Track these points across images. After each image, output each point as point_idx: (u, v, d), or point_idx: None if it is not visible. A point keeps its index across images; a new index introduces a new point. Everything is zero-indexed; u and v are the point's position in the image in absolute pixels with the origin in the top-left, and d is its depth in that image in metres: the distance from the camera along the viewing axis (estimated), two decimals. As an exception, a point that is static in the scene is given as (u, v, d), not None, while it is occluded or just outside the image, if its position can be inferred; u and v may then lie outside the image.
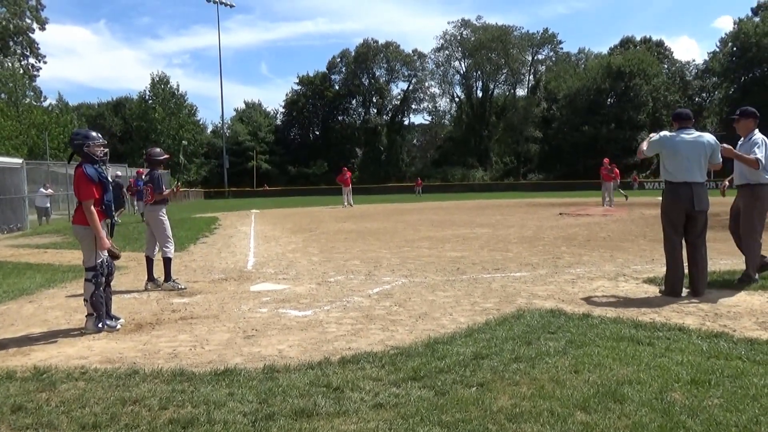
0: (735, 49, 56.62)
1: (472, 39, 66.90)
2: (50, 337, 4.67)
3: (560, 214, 18.00)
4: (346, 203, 26.02)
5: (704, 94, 64.78)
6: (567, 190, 43.70)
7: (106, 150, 5.05)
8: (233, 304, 5.78)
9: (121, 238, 11.96)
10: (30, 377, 3.56)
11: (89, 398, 3.16)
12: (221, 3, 55.91)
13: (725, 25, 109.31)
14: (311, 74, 70.93)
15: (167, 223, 6.99)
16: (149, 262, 6.89)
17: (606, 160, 21.64)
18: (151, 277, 6.82)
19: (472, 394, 3.06)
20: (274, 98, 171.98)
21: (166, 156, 7.23)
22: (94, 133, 5.01)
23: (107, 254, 4.93)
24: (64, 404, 3.09)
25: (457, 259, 8.59)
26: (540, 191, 44.31)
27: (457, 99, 71.55)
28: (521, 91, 70.48)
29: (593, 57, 70.51)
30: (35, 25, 47.51)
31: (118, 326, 4.86)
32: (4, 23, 44.39)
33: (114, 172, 27.07)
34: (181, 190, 7.19)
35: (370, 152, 68.59)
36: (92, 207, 4.74)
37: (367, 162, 67.84)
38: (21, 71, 45.48)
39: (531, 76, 70.82)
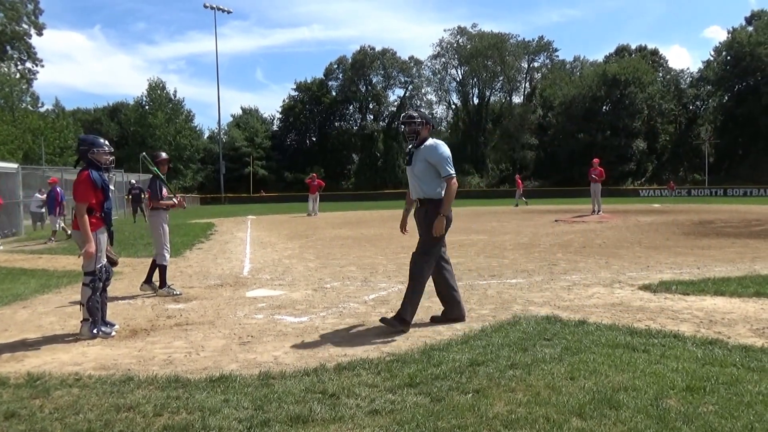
0: (729, 58, 57.09)
1: (468, 46, 67.22)
2: (44, 343, 4.64)
3: (556, 221, 18.04)
4: (311, 210, 24.60)
5: (698, 103, 65.24)
6: (563, 197, 43.85)
7: (112, 158, 5.06)
8: (229, 310, 5.77)
9: (116, 244, 11.90)
10: (23, 384, 3.54)
11: (83, 405, 3.14)
12: (218, 9, 56.09)
13: (715, 34, 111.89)
14: (308, 80, 71.18)
15: (167, 230, 6.93)
16: (153, 266, 6.83)
17: (596, 161, 19.93)
18: (148, 280, 6.80)
19: (468, 401, 3.06)
20: (269, 104, 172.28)
21: (164, 157, 7.04)
22: (101, 140, 5.01)
23: (105, 259, 4.93)
24: (57, 411, 3.07)
25: (453, 265, 8.58)
26: (536, 198, 44.42)
27: (453, 106, 71.88)
28: (517, 99, 70.86)
29: (588, 65, 70.92)
30: (32, 30, 47.53)
31: (113, 332, 4.84)
32: (1, 28, 44.37)
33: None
34: (183, 201, 7.22)
35: (367, 158, 68.66)
36: (84, 210, 4.73)
37: (364, 168, 67.90)
38: (18, 76, 45.44)
39: (527, 84, 71.18)
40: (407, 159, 4.98)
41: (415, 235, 5.06)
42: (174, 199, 7.00)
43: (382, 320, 4.77)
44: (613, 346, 3.98)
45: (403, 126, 4.92)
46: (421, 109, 5.01)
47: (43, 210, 18.49)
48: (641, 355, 3.78)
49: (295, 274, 8.06)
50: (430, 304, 5.79)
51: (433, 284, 5.06)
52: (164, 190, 6.88)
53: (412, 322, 4.99)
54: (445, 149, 4.82)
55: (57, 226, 15.08)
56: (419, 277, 4.83)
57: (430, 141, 4.87)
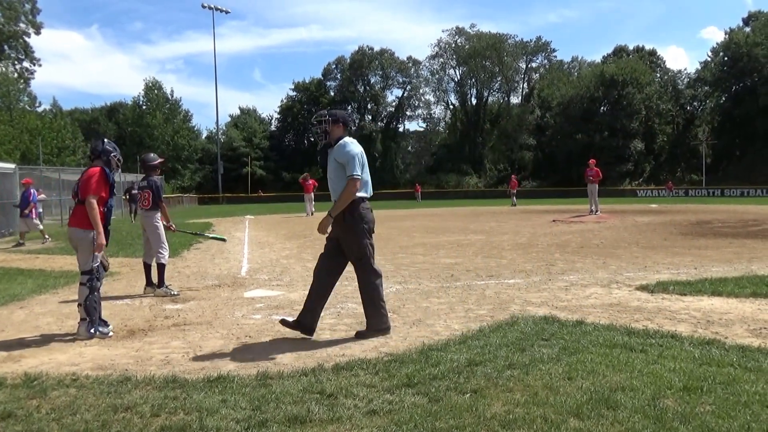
0: (726, 58, 57.24)
1: (467, 47, 67.27)
2: (41, 343, 4.63)
3: (554, 221, 18.06)
4: (308, 211, 24.26)
5: (696, 103, 65.37)
6: (561, 197, 43.90)
7: (119, 165, 5.37)
8: (227, 310, 5.76)
9: (114, 244, 11.89)
10: (20, 384, 3.52)
11: (80, 405, 3.13)
12: (216, 9, 56.04)
13: (712, 35, 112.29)
14: (306, 81, 71.15)
15: (162, 229, 6.97)
16: (147, 268, 6.85)
17: (592, 161, 20.33)
18: (149, 282, 6.80)
19: (466, 401, 3.06)
20: (267, 104, 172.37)
21: (160, 160, 7.22)
22: (118, 150, 5.40)
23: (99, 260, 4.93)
24: (54, 411, 3.06)
25: (451, 265, 8.60)
26: (534, 198, 44.49)
27: (451, 106, 71.85)
28: (515, 99, 70.97)
29: (586, 65, 71.01)
30: (30, 30, 47.43)
31: (111, 333, 4.84)
32: (-1, 27, 44.32)
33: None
34: (175, 229, 7.67)
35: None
36: (95, 203, 4.81)
37: (362, 168, 67.92)
38: (15, 75, 45.35)
39: (525, 84, 71.25)
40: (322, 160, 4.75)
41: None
42: (171, 225, 7.36)
43: (357, 334, 4.57)
44: (610, 346, 3.98)
45: (312, 125, 4.72)
46: (335, 109, 4.71)
47: (41, 210, 18.41)
48: (639, 355, 3.78)
49: (293, 275, 8.05)
50: (428, 304, 5.79)
51: (358, 283, 4.68)
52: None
53: (410, 323, 4.99)
54: (354, 147, 4.52)
55: (41, 225, 15.08)
56: (368, 285, 4.58)
57: (343, 140, 4.58)
